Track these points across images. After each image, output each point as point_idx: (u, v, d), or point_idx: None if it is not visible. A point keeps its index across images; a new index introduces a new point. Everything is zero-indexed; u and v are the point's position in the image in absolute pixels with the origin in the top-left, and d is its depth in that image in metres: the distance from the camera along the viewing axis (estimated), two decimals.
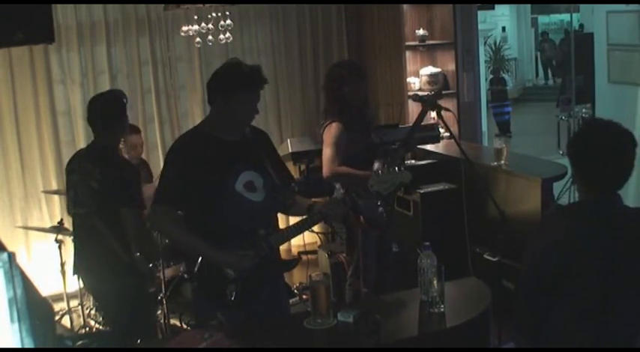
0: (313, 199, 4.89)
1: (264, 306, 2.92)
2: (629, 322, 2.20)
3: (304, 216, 2.95)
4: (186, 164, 2.80)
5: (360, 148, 3.90)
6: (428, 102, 3.80)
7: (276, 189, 2.95)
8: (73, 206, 3.60)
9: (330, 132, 3.87)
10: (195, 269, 2.82)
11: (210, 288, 2.85)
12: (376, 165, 3.75)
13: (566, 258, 2.14)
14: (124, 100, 3.58)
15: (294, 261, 3.18)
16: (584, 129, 2.28)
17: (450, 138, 4.98)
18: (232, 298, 2.80)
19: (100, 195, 3.39)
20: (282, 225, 3.15)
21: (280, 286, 3.14)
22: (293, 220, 3.26)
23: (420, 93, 5.51)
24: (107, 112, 3.48)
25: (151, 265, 4.13)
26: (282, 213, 3.20)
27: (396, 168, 2.85)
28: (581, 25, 11.76)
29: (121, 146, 4.17)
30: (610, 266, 2.14)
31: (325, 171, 3.86)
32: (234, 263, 2.77)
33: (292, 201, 3.06)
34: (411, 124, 5.39)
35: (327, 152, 3.86)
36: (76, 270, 3.67)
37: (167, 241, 4.38)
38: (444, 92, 5.75)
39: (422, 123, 4.08)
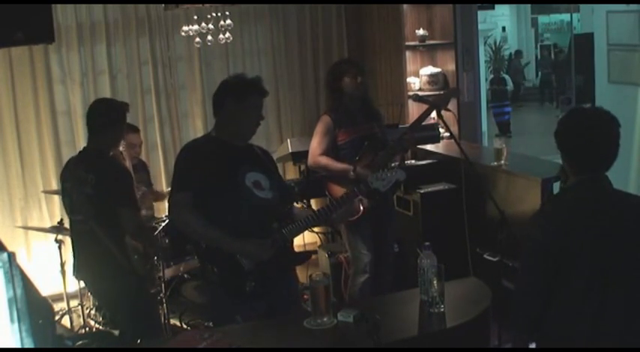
0: (311, 200, 4.92)
1: (280, 298, 3.03)
2: (628, 303, 2.19)
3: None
4: (197, 160, 2.96)
5: (352, 139, 4.10)
6: (433, 104, 3.96)
7: (282, 192, 3.12)
8: (69, 213, 3.62)
9: (318, 124, 4.20)
10: (209, 264, 2.94)
11: (229, 281, 2.93)
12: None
13: (566, 242, 2.16)
14: (126, 111, 3.62)
15: (306, 254, 3.47)
16: (571, 115, 2.34)
17: (450, 138, 4.98)
18: (251, 289, 2.90)
19: (95, 200, 3.40)
20: None
21: (293, 278, 3.25)
22: None
23: (419, 93, 5.50)
24: (107, 117, 3.50)
25: (149, 266, 4.13)
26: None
27: (391, 168, 3.12)
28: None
29: (121, 148, 4.17)
30: (608, 248, 2.16)
31: (309, 159, 4.20)
32: (253, 252, 2.88)
33: (290, 205, 3.22)
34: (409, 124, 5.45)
35: (312, 142, 4.18)
36: (77, 273, 3.69)
37: (167, 241, 4.38)
38: (443, 92, 5.76)
39: (422, 123, 4.12)
